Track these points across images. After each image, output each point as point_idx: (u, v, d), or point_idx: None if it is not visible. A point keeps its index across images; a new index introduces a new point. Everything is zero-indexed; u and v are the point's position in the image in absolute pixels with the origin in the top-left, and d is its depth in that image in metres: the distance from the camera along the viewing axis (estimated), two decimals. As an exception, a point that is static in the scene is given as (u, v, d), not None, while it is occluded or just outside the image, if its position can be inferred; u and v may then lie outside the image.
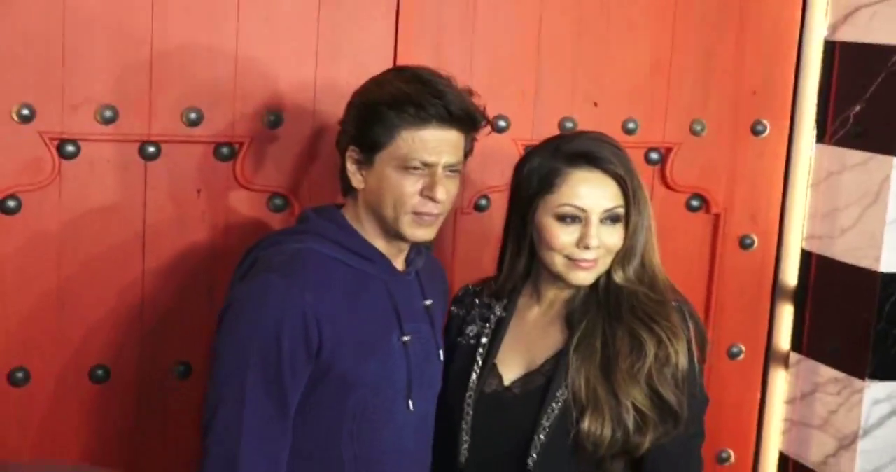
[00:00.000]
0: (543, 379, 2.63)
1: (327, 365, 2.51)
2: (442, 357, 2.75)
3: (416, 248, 2.73)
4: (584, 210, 2.59)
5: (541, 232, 2.64)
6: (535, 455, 2.58)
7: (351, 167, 2.60)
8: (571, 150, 2.62)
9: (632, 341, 2.58)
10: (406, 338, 2.63)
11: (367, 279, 2.61)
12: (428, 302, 2.73)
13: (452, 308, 2.88)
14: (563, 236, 2.60)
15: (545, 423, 2.58)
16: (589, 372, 2.58)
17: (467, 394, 2.70)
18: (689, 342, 2.62)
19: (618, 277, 2.64)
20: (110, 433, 3.09)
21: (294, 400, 2.50)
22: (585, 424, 2.55)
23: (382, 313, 2.61)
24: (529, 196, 2.64)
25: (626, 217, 2.62)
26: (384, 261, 2.64)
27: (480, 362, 2.72)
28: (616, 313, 2.62)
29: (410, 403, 2.64)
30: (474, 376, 2.71)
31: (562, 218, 2.60)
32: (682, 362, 2.57)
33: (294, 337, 2.46)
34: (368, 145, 2.56)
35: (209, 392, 2.53)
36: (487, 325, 2.77)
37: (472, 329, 2.79)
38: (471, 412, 2.68)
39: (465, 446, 2.69)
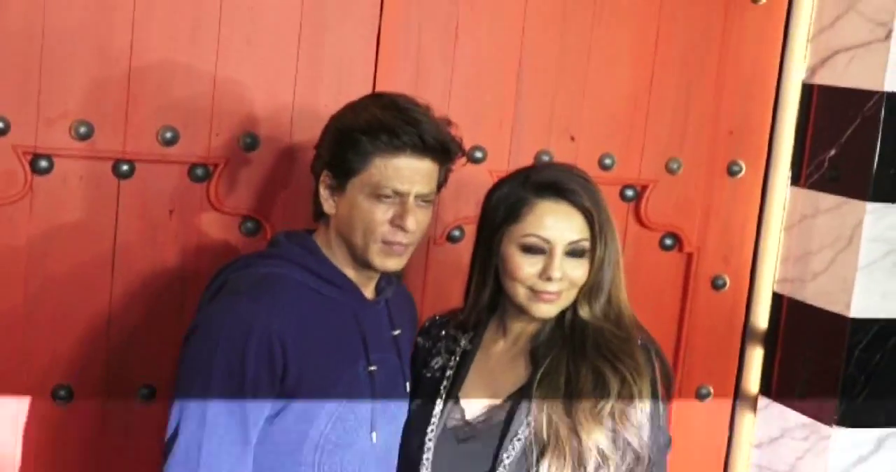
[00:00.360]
0: (505, 414, 2.60)
1: (291, 392, 2.48)
2: (408, 389, 2.72)
3: (387, 277, 2.70)
4: (548, 241, 2.56)
5: (505, 262, 2.61)
6: None
7: (324, 193, 2.59)
8: (540, 180, 2.60)
9: (595, 379, 2.55)
10: (372, 368, 2.60)
11: (336, 306, 2.58)
12: (396, 332, 2.71)
13: (419, 339, 2.84)
14: (527, 266, 2.58)
15: (505, 461, 2.55)
16: (551, 410, 2.54)
17: (429, 429, 2.66)
18: (653, 382, 2.59)
19: (584, 312, 2.61)
20: (73, 454, 3.04)
21: (256, 426, 2.47)
22: (546, 464, 2.52)
23: (349, 342, 2.59)
24: (496, 225, 2.62)
25: (591, 251, 2.59)
26: (353, 288, 2.62)
27: (444, 395, 2.68)
28: (581, 349, 2.59)
29: (374, 435, 2.60)
30: (436, 409, 2.67)
31: (526, 249, 2.57)
32: (646, 402, 2.55)
33: (259, 362, 2.43)
34: (342, 171, 2.54)
35: (171, 414, 2.49)
36: (452, 358, 2.74)
37: (436, 361, 2.76)
38: (431, 448, 2.64)
39: None
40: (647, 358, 2.60)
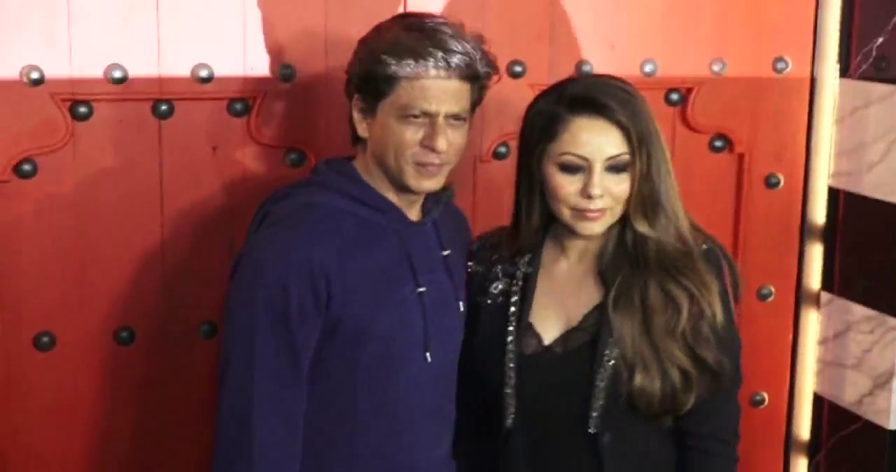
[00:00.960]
0: (587, 336, 2.58)
1: (338, 318, 2.50)
2: (462, 308, 2.71)
3: (434, 197, 2.69)
4: (585, 158, 2.52)
5: (546, 182, 2.57)
6: (594, 417, 2.55)
7: (357, 116, 2.59)
8: (573, 95, 2.55)
9: (664, 298, 2.54)
10: (421, 289, 2.60)
11: (379, 230, 2.59)
12: (446, 253, 2.70)
13: (471, 264, 2.79)
14: (567, 185, 2.54)
15: (600, 384, 2.54)
16: (632, 330, 2.53)
17: (507, 357, 2.62)
18: (722, 289, 2.58)
19: (642, 227, 2.57)
20: (137, 394, 3.09)
21: (306, 353, 2.49)
22: (637, 382, 2.51)
23: (395, 265, 2.59)
24: (534, 144, 2.58)
25: (633, 165, 2.53)
26: (396, 211, 2.61)
27: (515, 322, 2.65)
28: (645, 267, 2.57)
29: (428, 354, 2.61)
30: (510, 337, 2.64)
31: (564, 167, 2.54)
32: (717, 314, 2.53)
33: (302, 290, 2.45)
34: (371, 94, 2.54)
35: (223, 348, 2.53)
36: (514, 282, 2.69)
37: (496, 286, 2.71)
38: (513, 376, 2.62)
39: (512, 409, 2.63)
40: (715, 263, 2.59)
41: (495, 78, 2.64)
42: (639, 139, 2.52)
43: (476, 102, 2.60)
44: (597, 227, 2.58)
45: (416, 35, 2.50)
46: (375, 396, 2.57)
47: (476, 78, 2.55)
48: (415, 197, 2.63)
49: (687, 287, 2.53)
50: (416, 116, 2.50)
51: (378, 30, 2.59)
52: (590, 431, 2.56)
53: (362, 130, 2.59)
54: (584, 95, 2.54)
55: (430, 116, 2.51)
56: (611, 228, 2.60)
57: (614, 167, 2.53)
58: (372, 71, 2.52)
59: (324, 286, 2.46)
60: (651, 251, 2.57)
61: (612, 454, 2.57)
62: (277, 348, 2.46)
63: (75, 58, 2.86)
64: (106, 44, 2.88)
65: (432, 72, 2.48)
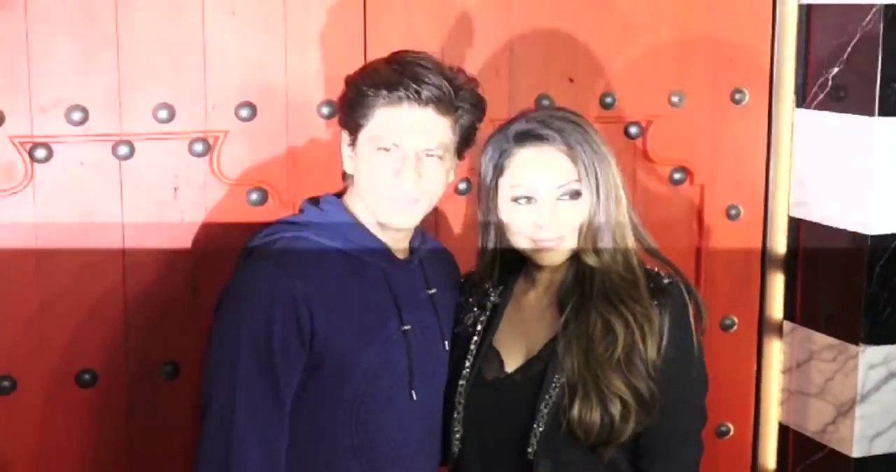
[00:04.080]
0: (542, 364, 2.59)
1: (321, 354, 2.49)
2: (448, 347, 2.71)
3: (421, 235, 2.70)
4: (533, 190, 2.55)
5: (501, 216, 2.60)
6: (534, 444, 2.55)
7: (344, 150, 2.61)
8: (518, 129, 2.58)
9: (605, 327, 2.54)
10: (406, 327, 2.60)
11: (364, 267, 2.59)
12: (432, 291, 2.70)
13: (460, 298, 2.81)
14: (520, 218, 2.57)
15: (543, 410, 2.54)
16: (575, 359, 2.53)
17: (460, 382, 2.66)
18: (681, 322, 2.57)
19: (588, 258, 2.58)
20: (104, 436, 3.05)
21: (288, 388, 2.48)
22: (575, 410, 2.51)
23: (380, 302, 2.59)
24: (488, 180, 2.62)
25: (582, 192, 2.56)
26: (382, 248, 2.61)
27: (474, 350, 2.67)
28: (589, 295, 2.58)
29: (413, 392, 2.61)
30: (467, 363, 2.67)
31: (515, 200, 2.57)
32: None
33: (285, 324, 2.45)
34: (353, 127, 2.57)
35: (204, 381, 2.52)
36: (483, 312, 2.72)
37: (469, 317, 2.74)
38: (462, 401, 2.64)
39: (458, 435, 2.65)
40: (677, 298, 2.58)
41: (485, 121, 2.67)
42: (585, 166, 2.54)
43: (461, 140, 2.61)
44: (556, 256, 2.59)
45: (394, 67, 2.53)
46: (358, 433, 2.56)
47: (452, 112, 2.55)
48: (400, 235, 2.64)
49: (624, 315, 2.53)
50: (387, 148, 2.51)
51: (366, 65, 2.64)
52: (528, 457, 2.55)
53: (348, 165, 2.61)
54: (527, 127, 2.57)
55: (401, 149, 2.51)
56: (572, 257, 2.61)
57: (566, 195, 2.55)
58: (351, 102, 2.55)
59: (308, 322, 2.46)
60: (597, 281, 2.58)
61: None
62: (260, 382, 2.45)
63: (34, 99, 2.84)
64: (66, 85, 2.87)
65: (405, 103, 2.50)
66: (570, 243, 2.58)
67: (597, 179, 2.55)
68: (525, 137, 2.55)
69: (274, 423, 2.48)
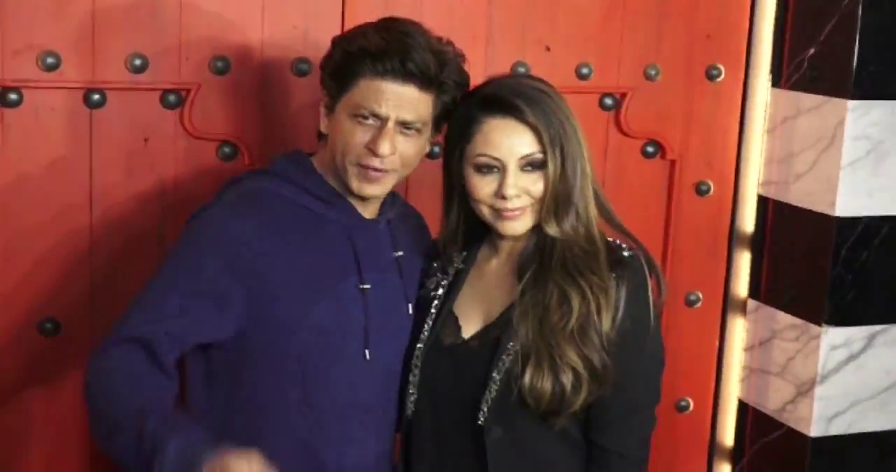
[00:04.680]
0: (498, 332, 2.59)
1: (262, 303, 2.49)
2: (411, 311, 2.71)
3: (392, 197, 2.70)
4: (498, 159, 2.53)
5: (465, 183, 2.59)
6: (485, 410, 2.55)
7: (322, 111, 2.60)
8: (485, 96, 2.56)
9: (561, 297, 2.53)
10: (365, 286, 2.59)
11: (326, 224, 2.58)
12: (398, 254, 2.70)
13: (426, 263, 2.81)
14: (483, 186, 2.55)
15: (495, 376, 2.54)
16: (530, 327, 2.53)
17: (418, 346, 2.66)
18: (639, 294, 2.56)
19: (550, 229, 2.56)
20: (64, 385, 3.05)
21: (199, 313, 2.46)
22: (527, 378, 2.50)
23: (338, 258, 2.58)
24: (453, 146, 2.60)
25: (546, 164, 2.54)
26: (345, 205, 2.61)
27: (434, 314, 2.68)
28: (548, 265, 2.57)
29: (367, 352, 2.60)
30: (426, 327, 2.67)
31: (479, 168, 2.54)
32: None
33: (223, 259, 2.46)
34: (333, 89, 2.55)
35: None
36: (446, 277, 2.72)
37: (432, 281, 2.74)
38: (418, 365, 2.65)
39: (413, 398, 2.66)
40: (637, 270, 2.57)
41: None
42: (551, 138, 2.52)
43: (440, 115, 2.59)
44: (518, 226, 2.58)
45: (382, 35, 2.50)
46: (304, 387, 2.55)
47: (435, 88, 2.54)
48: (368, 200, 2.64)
49: (581, 286, 2.52)
50: (365, 117, 2.50)
51: (354, 28, 2.60)
52: (479, 423, 2.56)
53: (324, 125, 2.59)
54: (495, 95, 2.55)
55: (380, 120, 2.50)
56: (534, 227, 2.61)
57: (531, 165, 2.53)
58: (334, 65, 2.53)
59: (250, 264, 2.47)
60: (557, 251, 2.57)
61: (498, 449, 2.56)
62: (175, 285, 2.46)
63: (7, 44, 2.82)
64: (39, 29, 2.85)
65: (389, 75, 2.48)
66: (534, 213, 2.57)
67: (562, 150, 2.53)
68: (493, 104, 2.53)
69: (178, 315, 2.44)
